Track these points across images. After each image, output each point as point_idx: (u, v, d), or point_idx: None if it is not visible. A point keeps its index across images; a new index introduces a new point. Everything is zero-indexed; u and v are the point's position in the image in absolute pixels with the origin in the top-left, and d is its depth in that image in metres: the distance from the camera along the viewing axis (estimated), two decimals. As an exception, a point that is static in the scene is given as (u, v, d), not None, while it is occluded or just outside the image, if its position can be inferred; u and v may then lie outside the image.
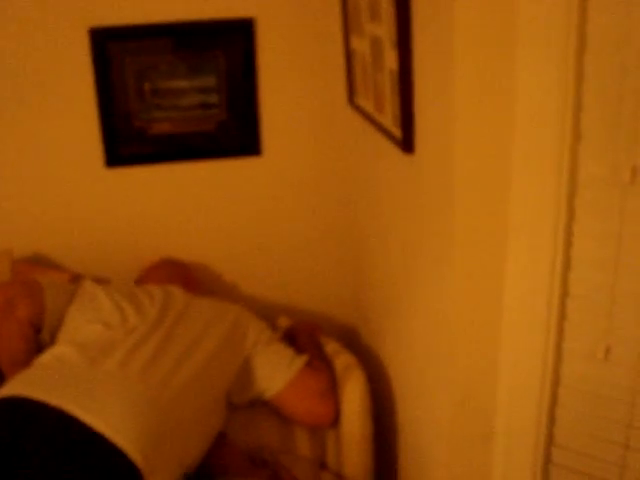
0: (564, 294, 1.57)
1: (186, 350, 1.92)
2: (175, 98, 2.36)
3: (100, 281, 2.29)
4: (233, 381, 1.98)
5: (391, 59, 1.74)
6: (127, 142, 2.39)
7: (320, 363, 2.09)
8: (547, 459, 1.73)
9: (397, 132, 1.76)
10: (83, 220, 2.42)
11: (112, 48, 2.28)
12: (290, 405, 2.03)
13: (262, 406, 2.08)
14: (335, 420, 2.06)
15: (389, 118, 1.82)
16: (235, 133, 2.41)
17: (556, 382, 1.65)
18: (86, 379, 1.78)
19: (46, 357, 1.88)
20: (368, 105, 2.03)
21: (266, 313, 2.35)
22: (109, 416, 1.66)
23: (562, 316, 1.59)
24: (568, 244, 1.54)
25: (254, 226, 2.50)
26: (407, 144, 1.71)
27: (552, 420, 1.69)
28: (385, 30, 1.74)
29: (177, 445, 1.75)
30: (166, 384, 1.80)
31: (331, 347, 2.21)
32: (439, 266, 1.69)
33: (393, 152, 1.86)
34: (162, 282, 2.26)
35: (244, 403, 2.04)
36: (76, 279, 2.30)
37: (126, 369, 1.80)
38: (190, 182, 2.43)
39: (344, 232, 2.53)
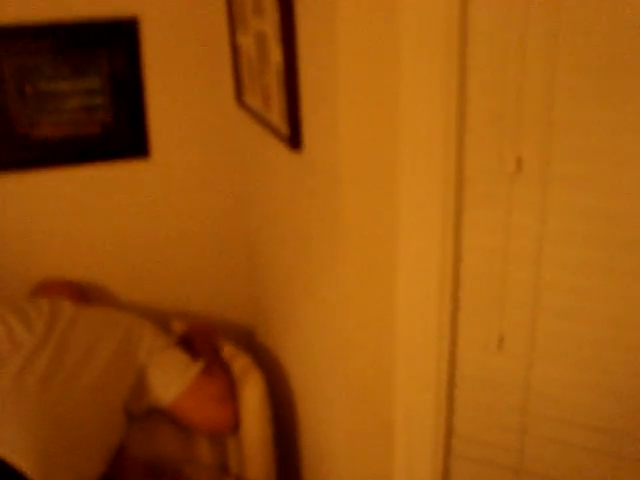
0: (456, 285, 1.58)
1: (79, 362, 1.86)
2: (58, 101, 2.28)
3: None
4: (130, 390, 1.93)
5: (276, 54, 1.71)
6: (9, 147, 2.29)
7: (217, 368, 2.05)
8: (447, 450, 1.74)
9: (284, 129, 1.74)
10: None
11: (-11, 49, 2.18)
12: (188, 412, 1.99)
13: (161, 415, 2.03)
14: (235, 425, 2.02)
15: (276, 115, 1.80)
16: (122, 135, 2.34)
17: (452, 373, 1.66)
18: None
19: None
20: (256, 103, 2.00)
21: (160, 318, 2.29)
22: (4, 435, 1.61)
23: (455, 307, 1.60)
24: (458, 235, 1.55)
25: (145, 229, 2.44)
26: (294, 141, 1.70)
27: (451, 411, 1.70)
28: (269, 25, 1.72)
29: (77, 460, 1.70)
30: (62, 398, 1.75)
31: (228, 350, 2.17)
32: (330, 262, 1.68)
33: (281, 149, 1.84)
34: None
35: (141, 412, 1.99)
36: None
37: (20, 385, 1.74)
38: (77, 187, 2.36)
39: (237, 232, 2.50)
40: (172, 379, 1.96)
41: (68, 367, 1.83)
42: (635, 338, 1.47)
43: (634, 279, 1.42)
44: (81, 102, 2.29)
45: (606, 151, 1.37)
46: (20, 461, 1.57)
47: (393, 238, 1.59)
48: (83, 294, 2.32)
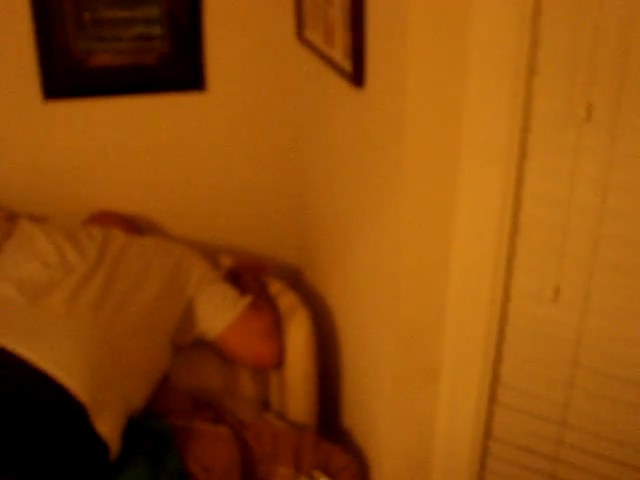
0: (514, 232, 1.56)
1: (130, 289, 1.87)
2: (116, 29, 2.26)
3: (37, 220, 2.21)
4: (178, 320, 1.94)
5: (342, -11, 1.68)
6: (65, 74, 2.28)
7: (264, 303, 2.05)
8: (492, 398, 1.73)
9: (347, 65, 1.71)
10: (19, 156, 2.32)
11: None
12: (233, 346, 2.00)
13: (205, 348, 2.04)
14: (279, 361, 2.03)
15: (339, 51, 1.76)
16: (178, 67, 2.32)
17: (503, 321, 1.64)
18: (29, 318, 1.73)
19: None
20: (317, 39, 1.97)
21: (209, 253, 2.29)
22: (56, 355, 1.62)
23: (511, 254, 1.58)
24: (520, 181, 1.52)
25: (197, 164, 2.43)
26: (357, 77, 1.67)
27: (499, 359, 1.68)
28: (337, -42, 1.68)
29: (124, 386, 1.72)
30: (113, 324, 1.77)
31: (275, 287, 2.17)
32: (387, 203, 1.66)
33: (342, 87, 1.81)
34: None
35: (187, 343, 2.00)
36: (11, 218, 2.22)
37: (73, 308, 1.76)
38: (132, 117, 2.35)
39: (290, 169, 2.48)
40: (220, 312, 1.97)
41: (119, 293, 1.84)
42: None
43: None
44: (139, 31, 2.27)
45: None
46: (70, 380, 1.58)
47: (454, 181, 1.57)
48: (135, 226, 2.33)
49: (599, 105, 1.39)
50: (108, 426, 1.62)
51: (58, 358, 1.62)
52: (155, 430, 1.79)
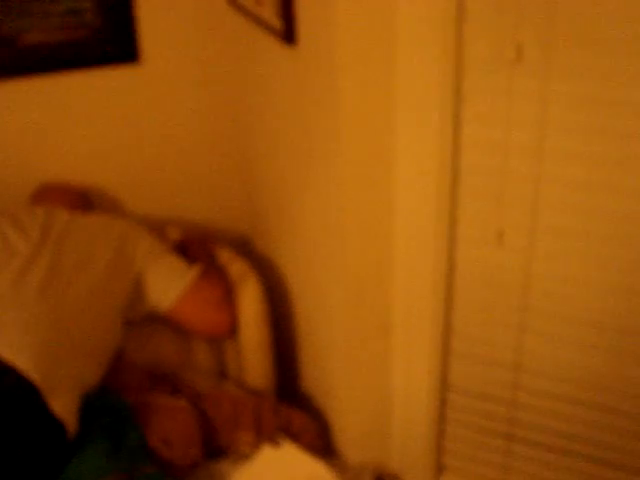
0: (455, 178, 1.56)
1: (76, 268, 1.85)
2: (43, 4, 2.21)
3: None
4: (127, 295, 1.92)
5: (268, -54, 1.66)
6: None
7: (214, 273, 2.04)
8: (446, 348, 1.74)
9: (278, 23, 1.69)
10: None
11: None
12: (185, 317, 1.98)
13: (159, 321, 2.02)
14: (232, 329, 2.02)
15: (269, 11, 1.74)
16: (111, 40, 2.27)
17: (452, 269, 1.65)
18: None
19: None
20: (248, 1, 1.95)
21: (155, 225, 2.26)
22: (5, 337, 1.61)
23: (454, 201, 1.58)
24: (457, 127, 1.51)
25: (139, 136, 2.39)
26: (288, 35, 1.65)
27: (450, 308, 1.69)
28: None
29: (76, 364, 1.71)
30: (62, 303, 1.75)
31: (225, 255, 2.15)
32: (327, 159, 1.65)
33: (276, 46, 1.79)
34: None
35: (140, 318, 1.98)
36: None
37: (20, 290, 1.73)
38: (68, 94, 2.30)
39: (232, 136, 2.45)
40: (170, 283, 1.95)
41: (66, 273, 1.81)
42: (636, 233, 1.45)
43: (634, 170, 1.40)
44: (67, 6, 2.22)
45: (609, 38, 1.33)
46: (20, 361, 1.57)
47: (391, 131, 1.56)
48: (83, 199, 2.28)
49: (528, 45, 1.39)
50: (63, 405, 1.61)
51: (7, 340, 1.60)
52: (113, 407, 1.78)
